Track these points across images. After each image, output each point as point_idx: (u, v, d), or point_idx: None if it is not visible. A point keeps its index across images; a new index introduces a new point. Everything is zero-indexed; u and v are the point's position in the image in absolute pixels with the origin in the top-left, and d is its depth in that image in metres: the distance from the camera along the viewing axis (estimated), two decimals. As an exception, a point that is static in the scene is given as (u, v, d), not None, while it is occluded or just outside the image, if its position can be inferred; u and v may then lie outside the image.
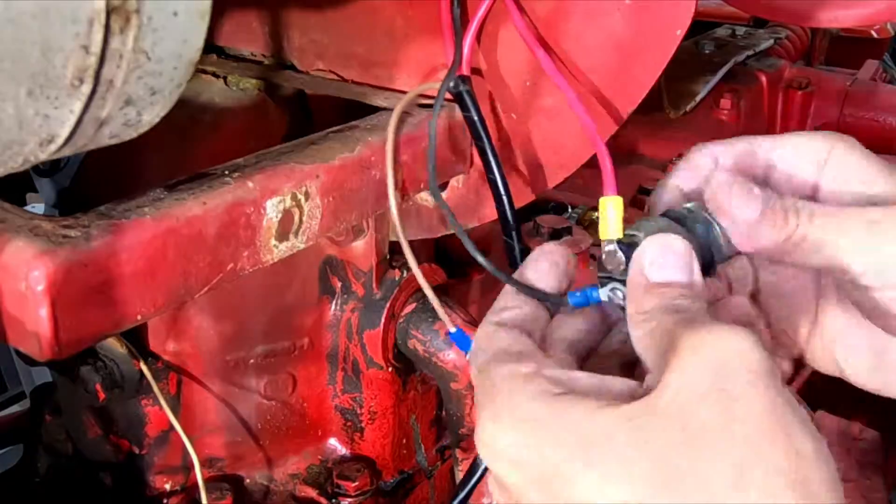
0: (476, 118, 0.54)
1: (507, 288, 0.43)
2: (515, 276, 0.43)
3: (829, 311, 0.47)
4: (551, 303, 0.42)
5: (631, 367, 0.41)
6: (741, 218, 0.42)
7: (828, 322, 0.47)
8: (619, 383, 0.37)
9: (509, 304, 0.42)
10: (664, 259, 0.40)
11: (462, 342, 0.53)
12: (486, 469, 0.50)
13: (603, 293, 0.42)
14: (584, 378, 0.38)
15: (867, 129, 1.44)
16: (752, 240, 0.42)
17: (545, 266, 0.43)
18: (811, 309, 0.47)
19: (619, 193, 0.43)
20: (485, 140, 0.54)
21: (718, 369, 0.36)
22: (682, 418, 0.34)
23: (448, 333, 0.66)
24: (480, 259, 0.45)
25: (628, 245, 0.41)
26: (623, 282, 0.41)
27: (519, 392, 0.37)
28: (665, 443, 0.33)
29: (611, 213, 0.42)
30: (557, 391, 0.37)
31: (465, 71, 0.56)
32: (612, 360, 0.43)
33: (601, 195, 0.42)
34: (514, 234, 0.52)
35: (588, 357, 0.43)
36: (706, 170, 0.44)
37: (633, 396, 0.36)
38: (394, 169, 0.52)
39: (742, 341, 0.36)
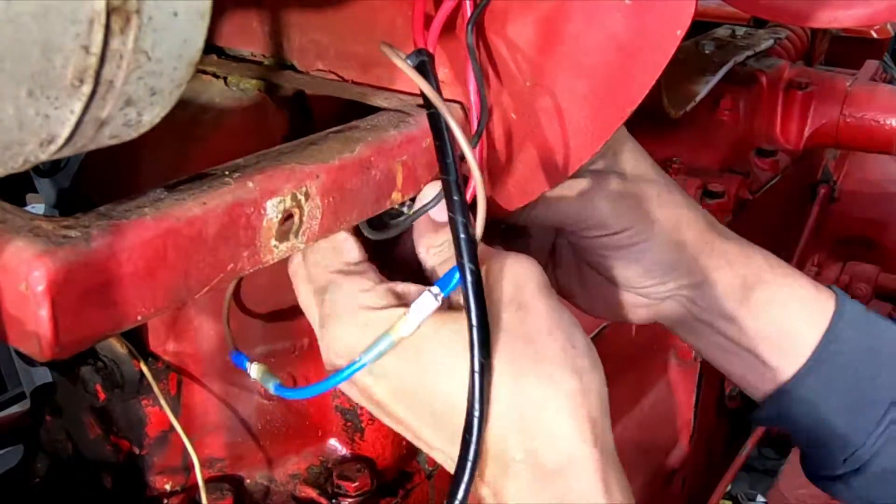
0: (435, 91, 0.52)
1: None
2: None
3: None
4: None
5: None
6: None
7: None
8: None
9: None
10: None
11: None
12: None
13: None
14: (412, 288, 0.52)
15: (867, 129, 1.43)
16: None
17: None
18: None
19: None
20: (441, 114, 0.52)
21: (515, 284, 0.50)
22: (494, 322, 0.48)
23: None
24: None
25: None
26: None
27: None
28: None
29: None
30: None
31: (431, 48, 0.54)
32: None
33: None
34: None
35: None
36: None
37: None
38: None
39: (529, 264, 0.51)
